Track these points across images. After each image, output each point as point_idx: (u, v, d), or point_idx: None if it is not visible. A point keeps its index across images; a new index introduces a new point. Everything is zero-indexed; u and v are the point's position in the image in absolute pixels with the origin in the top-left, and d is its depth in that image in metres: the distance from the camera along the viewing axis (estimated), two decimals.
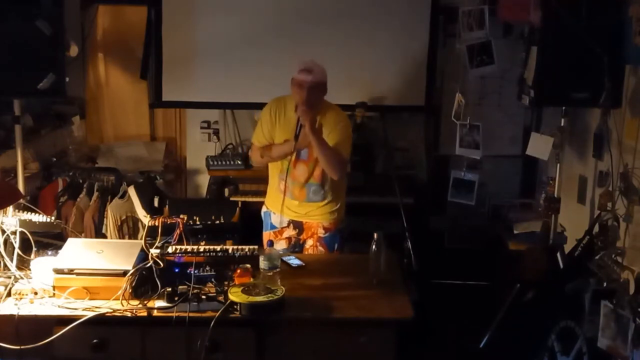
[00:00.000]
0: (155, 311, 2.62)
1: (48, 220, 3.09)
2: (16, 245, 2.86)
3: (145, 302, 2.65)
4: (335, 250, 3.62)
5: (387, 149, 4.71)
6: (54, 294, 2.71)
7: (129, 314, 2.62)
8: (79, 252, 2.81)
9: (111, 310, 2.62)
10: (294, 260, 3.18)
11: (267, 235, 3.66)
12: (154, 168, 4.87)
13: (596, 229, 3.24)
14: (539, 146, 3.67)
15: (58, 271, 2.71)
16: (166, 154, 5.04)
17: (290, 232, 3.63)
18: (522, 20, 3.96)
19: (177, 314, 2.58)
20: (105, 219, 4.45)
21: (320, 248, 3.60)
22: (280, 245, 3.59)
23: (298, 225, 3.62)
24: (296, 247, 3.64)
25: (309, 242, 3.62)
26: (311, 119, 3.30)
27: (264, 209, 3.75)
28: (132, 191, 4.47)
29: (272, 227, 3.66)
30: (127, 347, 2.64)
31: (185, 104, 4.92)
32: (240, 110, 4.97)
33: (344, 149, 3.45)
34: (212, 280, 2.79)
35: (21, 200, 3.17)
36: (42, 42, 3.20)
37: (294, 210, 3.59)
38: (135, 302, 2.65)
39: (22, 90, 3.30)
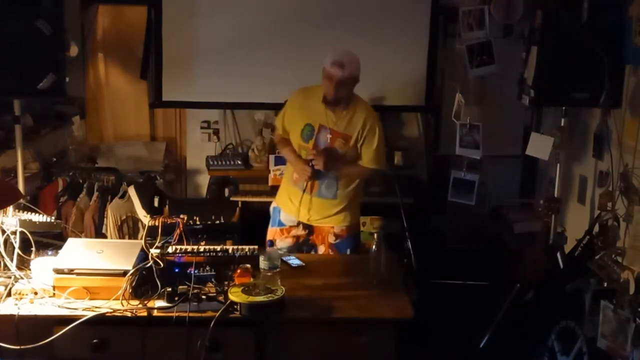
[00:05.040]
0: (155, 311, 2.62)
1: (48, 220, 3.09)
2: (16, 245, 2.86)
3: (145, 302, 2.65)
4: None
5: (387, 149, 4.70)
6: (54, 294, 2.71)
7: (129, 314, 2.62)
8: (79, 252, 2.81)
9: (111, 310, 2.62)
10: (294, 260, 3.18)
11: (272, 231, 3.62)
12: (154, 168, 4.86)
13: (596, 229, 3.24)
14: (539, 146, 3.66)
15: (58, 271, 2.71)
16: (166, 154, 5.03)
17: (299, 232, 3.59)
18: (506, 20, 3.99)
19: (177, 314, 2.58)
20: (105, 219, 4.45)
21: (332, 254, 3.56)
22: (285, 243, 3.56)
23: (308, 227, 3.59)
24: (304, 245, 3.60)
25: (321, 249, 3.59)
26: (324, 162, 3.34)
27: (273, 204, 3.71)
28: (132, 191, 4.47)
29: (280, 224, 3.61)
30: (127, 347, 2.64)
31: (185, 104, 4.92)
32: (240, 110, 4.96)
33: (376, 161, 3.49)
34: (212, 280, 2.80)
35: (21, 200, 3.17)
36: (42, 42, 3.19)
37: (306, 210, 3.52)
38: (135, 302, 2.65)
39: (22, 90, 3.29)
